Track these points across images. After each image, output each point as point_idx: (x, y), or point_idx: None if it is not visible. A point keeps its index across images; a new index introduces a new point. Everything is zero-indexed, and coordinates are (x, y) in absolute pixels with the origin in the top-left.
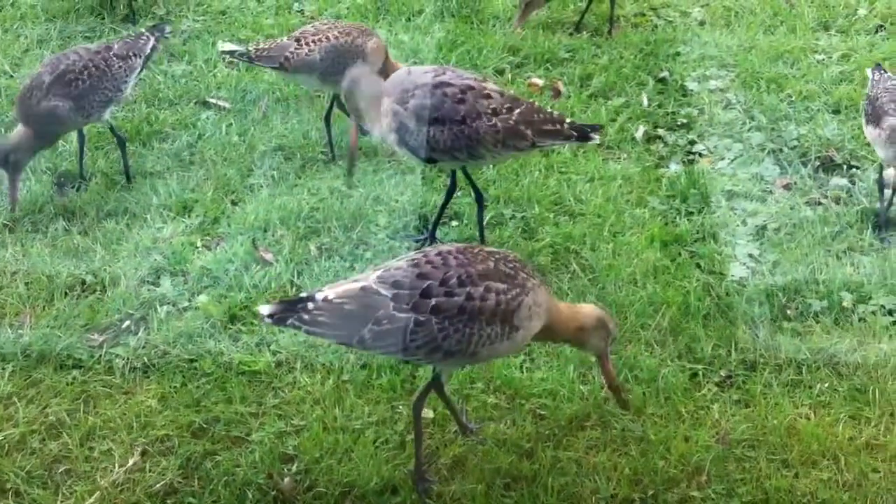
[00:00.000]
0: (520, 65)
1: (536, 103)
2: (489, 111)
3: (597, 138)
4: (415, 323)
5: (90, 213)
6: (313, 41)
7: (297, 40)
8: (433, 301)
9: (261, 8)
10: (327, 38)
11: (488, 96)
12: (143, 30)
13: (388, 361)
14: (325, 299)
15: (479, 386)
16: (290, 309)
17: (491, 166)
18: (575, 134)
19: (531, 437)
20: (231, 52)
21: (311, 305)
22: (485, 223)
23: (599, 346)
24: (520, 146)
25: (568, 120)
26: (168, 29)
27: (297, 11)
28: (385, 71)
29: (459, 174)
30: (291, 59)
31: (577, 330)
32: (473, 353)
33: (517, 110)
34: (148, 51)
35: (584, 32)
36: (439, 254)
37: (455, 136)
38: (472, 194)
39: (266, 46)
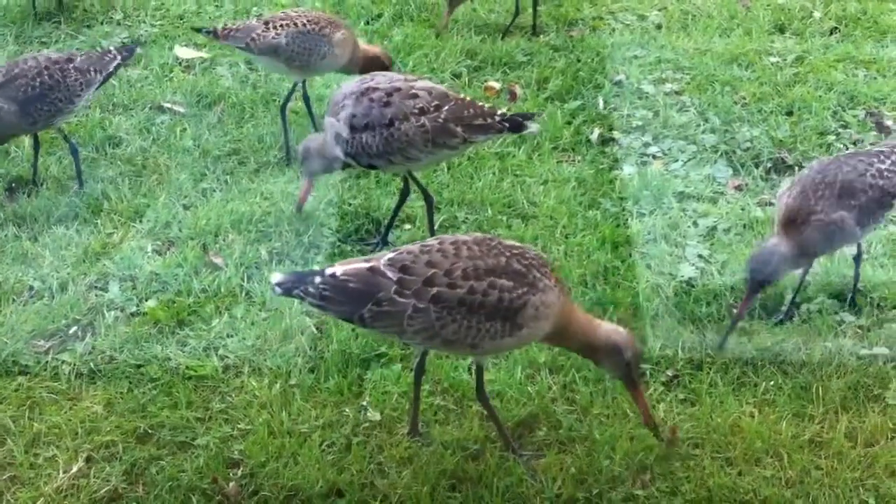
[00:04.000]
0: (477, 68)
1: (468, 98)
2: (416, 111)
3: (532, 127)
4: (413, 309)
5: (40, 218)
6: (281, 25)
7: (266, 23)
8: (434, 290)
9: (218, 12)
10: (295, 24)
11: (415, 96)
12: (111, 47)
13: (336, 365)
14: (332, 275)
15: (426, 388)
16: (299, 280)
17: (445, 169)
18: (507, 125)
19: (478, 439)
20: (199, 30)
21: (318, 279)
22: (437, 226)
23: (614, 371)
24: (451, 143)
25: (500, 111)
26: (138, 50)
27: (256, 16)
28: (357, 62)
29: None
30: (257, 40)
31: (587, 345)
32: (474, 345)
33: (446, 108)
34: (111, 69)
35: (542, 36)
36: (454, 242)
37: (386, 140)
38: (422, 195)
39: (234, 27)
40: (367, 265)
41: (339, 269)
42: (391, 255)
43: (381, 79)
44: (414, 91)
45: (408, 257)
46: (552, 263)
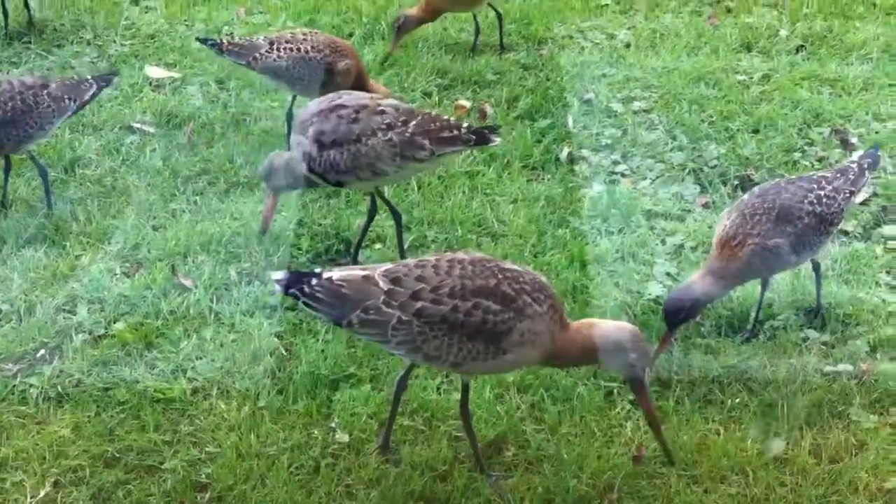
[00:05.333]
0: (448, 87)
1: (435, 112)
2: (384, 126)
3: (497, 140)
4: (398, 320)
5: (9, 240)
6: (285, 48)
7: (271, 43)
8: (419, 304)
9: (189, 32)
10: (299, 49)
11: (382, 112)
12: (89, 76)
13: (304, 386)
14: (328, 279)
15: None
16: (297, 280)
17: (415, 188)
18: (474, 138)
19: (447, 460)
20: (204, 41)
21: (314, 281)
22: (407, 245)
23: (619, 371)
24: (419, 157)
25: (465, 125)
26: (116, 81)
27: (227, 35)
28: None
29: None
30: (259, 59)
31: (586, 355)
32: (455, 363)
33: (413, 122)
34: (86, 98)
35: (512, 54)
36: (451, 260)
37: (354, 157)
38: (391, 214)
39: (239, 42)
40: (363, 273)
41: (336, 273)
42: (389, 266)
43: (348, 97)
44: (381, 108)
45: (402, 270)
46: (550, 289)
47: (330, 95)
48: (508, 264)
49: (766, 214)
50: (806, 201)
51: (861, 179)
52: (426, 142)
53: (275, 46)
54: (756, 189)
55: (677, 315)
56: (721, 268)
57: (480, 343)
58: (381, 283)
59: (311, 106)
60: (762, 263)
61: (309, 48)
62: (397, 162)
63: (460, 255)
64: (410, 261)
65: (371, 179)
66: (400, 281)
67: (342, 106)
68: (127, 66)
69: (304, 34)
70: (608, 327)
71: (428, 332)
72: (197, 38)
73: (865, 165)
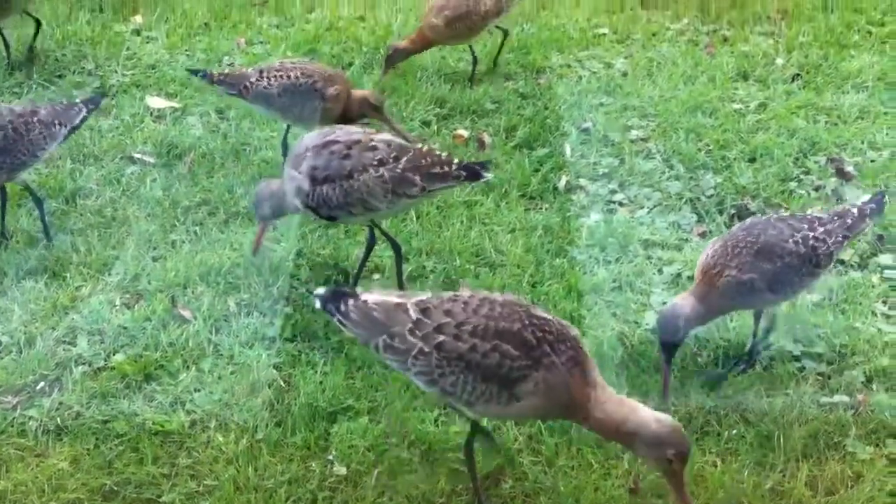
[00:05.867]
0: (446, 116)
1: (426, 148)
2: (375, 162)
3: (488, 175)
4: (419, 351)
5: (9, 272)
6: (274, 76)
7: (261, 72)
8: (441, 338)
9: (190, 62)
10: (288, 76)
11: (374, 148)
12: (77, 99)
13: (303, 418)
14: (364, 301)
15: (393, 441)
16: (335, 297)
17: (414, 218)
18: (464, 174)
19: (444, 493)
20: (195, 72)
21: (350, 301)
22: (405, 275)
23: (653, 465)
24: (411, 193)
25: (456, 161)
26: (102, 102)
27: (228, 65)
28: (350, 114)
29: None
30: (250, 88)
31: (619, 433)
32: (469, 402)
33: (404, 158)
34: (76, 122)
35: (509, 82)
36: (483, 299)
37: (346, 192)
38: (390, 245)
39: (229, 72)
40: (397, 300)
41: (372, 296)
42: (424, 296)
43: (341, 132)
44: (373, 143)
45: (433, 301)
46: (576, 342)
47: (325, 130)
48: (539, 311)
49: (748, 248)
50: (791, 240)
51: (860, 225)
52: (417, 178)
53: (264, 75)
54: (747, 221)
55: (669, 337)
56: (701, 296)
57: (494, 386)
58: (412, 312)
59: (306, 140)
60: (737, 296)
61: (298, 75)
62: (389, 198)
63: (494, 295)
64: (445, 294)
65: (363, 215)
66: (428, 312)
67: (335, 141)
68: (128, 97)
69: (294, 63)
70: (649, 416)
71: (445, 366)
72: (187, 70)
73: (867, 211)
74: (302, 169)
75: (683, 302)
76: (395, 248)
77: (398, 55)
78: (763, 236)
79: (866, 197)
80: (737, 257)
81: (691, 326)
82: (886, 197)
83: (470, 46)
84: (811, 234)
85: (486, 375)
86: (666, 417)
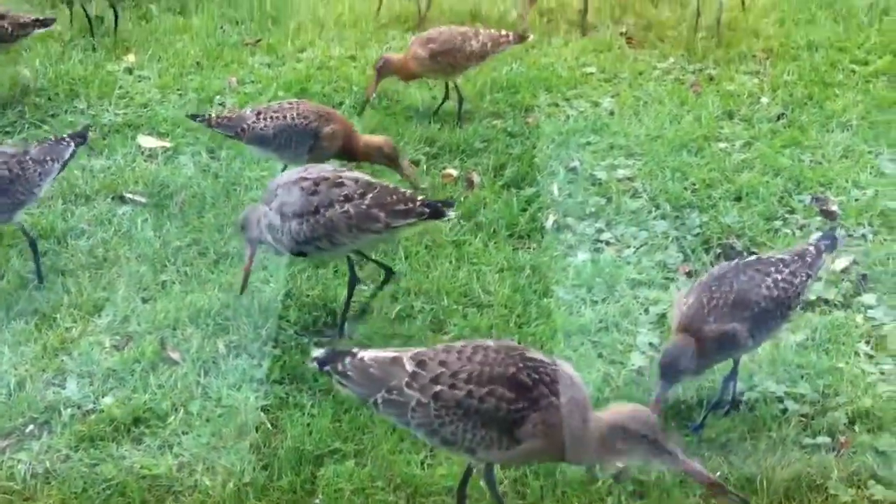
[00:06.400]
0: (436, 155)
1: (393, 185)
2: (342, 198)
3: (451, 214)
4: (417, 402)
5: (0, 314)
6: (271, 117)
7: (258, 114)
8: (438, 388)
9: (182, 101)
10: (284, 117)
11: (341, 184)
12: (64, 135)
13: (289, 462)
14: (360, 358)
15: (379, 484)
16: (333, 357)
17: (403, 257)
18: (428, 211)
19: None
20: (194, 117)
21: (347, 360)
22: (393, 315)
23: (648, 459)
24: (374, 229)
25: (420, 198)
26: (88, 136)
27: (219, 104)
28: (356, 152)
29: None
30: (247, 130)
31: (607, 451)
32: (470, 450)
33: (370, 195)
34: (66, 156)
35: (498, 121)
36: (476, 347)
37: (312, 227)
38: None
39: (227, 115)
40: (393, 355)
41: (368, 353)
42: (420, 349)
43: (313, 170)
44: (341, 180)
45: (428, 353)
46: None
47: (298, 168)
48: (535, 353)
49: (723, 299)
50: (763, 286)
51: (818, 262)
52: (382, 214)
53: (261, 117)
54: (714, 269)
55: (674, 367)
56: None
57: (494, 431)
58: (407, 365)
59: (279, 178)
60: (720, 348)
61: (294, 115)
62: (353, 233)
63: (488, 342)
64: (441, 345)
65: (329, 250)
66: (424, 364)
67: (304, 178)
68: (120, 136)
69: (290, 103)
70: (612, 416)
71: (444, 416)
72: (187, 115)
73: (823, 248)
74: (273, 205)
75: (685, 343)
76: (388, 271)
77: (389, 67)
78: (736, 284)
79: (818, 234)
80: (714, 310)
81: (689, 369)
82: (838, 232)
83: (455, 86)
84: (779, 276)
85: (484, 420)
86: (622, 407)
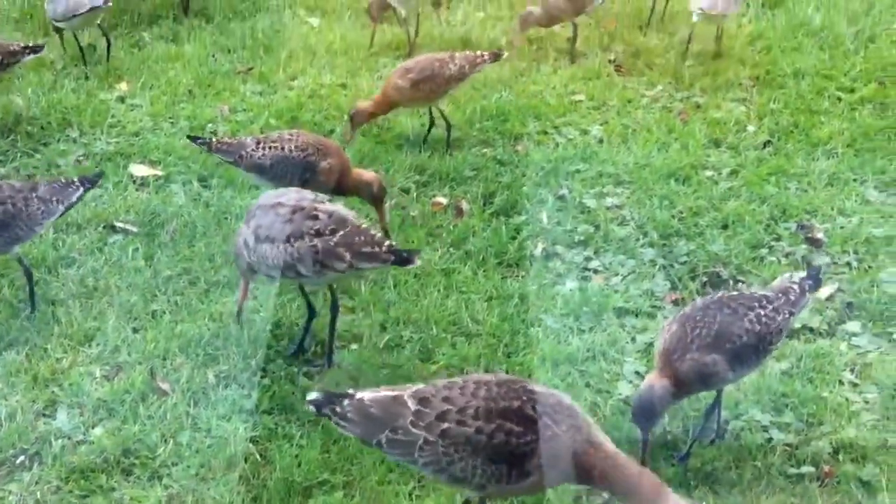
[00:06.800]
0: (425, 183)
1: (365, 226)
2: (312, 231)
3: (416, 262)
4: (424, 441)
5: None
6: (270, 147)
7: (258, 142)
8: (444, 425)
9: (174, 129)
10: (282, 147)
11: (315, 217)
12: (74, 178)
13: (278, 493)
14: (359, 399)
15: None
16: (330, 401)
17: (392, 286)
18: (392, 258)
19: None
20: (195, 139)
21: (346, 402)
22: (382, 345)
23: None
24: (338, 268)
25: (387, 243)
26: (100, 181)
27: (210, 132)
28: (349, 187)
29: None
30: (245, 157)
31: (631, 496)
32: (480, 485)
33: (340, 233)
34: (73, 200)
35: (488, 149)
36: (478, 382)
37: (280, 255)
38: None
39: (228, 141)
40: (393, 394)
41: (367, 394)
42: (419, 386)
43: (292, 195)
44: (316, 212)
45: (430, 390)
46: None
47: (279, 191)
48: (536, 386)
49: (706, 329)
50: (746, 319)
51: (801, 301)
52: (347, 254)
53: (260, 145)
54: (698, 301)
55: (646, 416)
56: (665, 381)
57: (504, 465)
58: (410, 404)
59: (261, 198)
60: (700, 379)
61: (292, 147)
62: (316, 268)
63: (488, 376)
64: (440, 381)
65: (293, 279)
66: (427, 402)
67: (282, 204)
68: (112, 164)
69: (291, 134)
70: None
71: (453, 453)
72: (188, 137)
73: (807, 287)
74: (250, 225)
75: (651, 384)
76: (310, 312)
77: (361, 116)
78: (719, 316)
79: (803, 273)
80: (696, 339)
81: (667, 406)
82: (821, 272)
83: (441, 113)
84: (762, 312)
85: (494, 456)
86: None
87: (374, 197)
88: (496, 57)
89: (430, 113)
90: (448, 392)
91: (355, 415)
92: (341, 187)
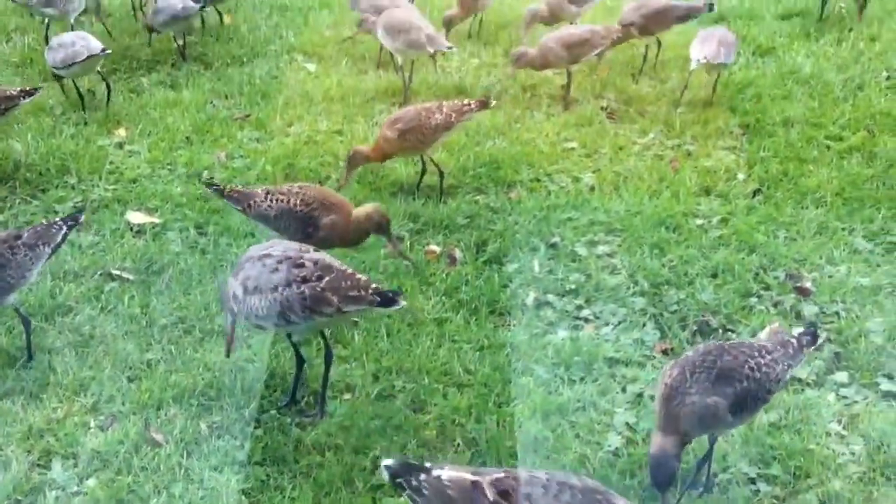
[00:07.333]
0: (419, 231)
1: (350, 270)
2: (299, 279)
3: (402, 303)
4: None
5: None
6: (276, 199)
7: (267, 193)
8: None
9: (171, 177)
10: (287, 201)
11: (301, 265)
12: (58, 219)
13: None
14: (437, 477)
15: None
16: (407, 471)
17: (385, 335)
18: (378, 299)
19: None
20: (209, 185)
21: (423, 476)
22: (374, 395)
23: None
24: (327, 312)
25: (373, 286)
26: (81, 219)
27: (209, 178)
28: (354, 238)
29: (351, 335)
30: (253, 206)
31: None
32: None
33: (327, 278)
34: (59, 240)
35: (481, 196)
36: (561, 483)
37: (269, 304)
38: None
39: (239, 189)
40: (472, 478)
41: (445, 472)
42: (500, 475)
43: (279, 247)
44: (302, 261)
45: (511, 483)
46: None
47: (268, 243)
48: (616, 497)
49: (706, 373)
50: (746, 366)
51: (799, 356)
52: (335, 298)
53: (269, 196)
54: (700, 347)
55: (665, 480)
56: (673, 439)
57: None
58: (489, 493)
59: (250, 251)
60: (700, 422)
61: (297, 201)
62: (305, 314)
63: (574, 479)
64: (523, 472)
65: (284, 327)
66: (507, 495)
67: (269, 256)
68: (109, 212)
69: (300, 188)
70: None
71: None
72: (204, 182)
73: (804, 343)
74: (238, 277)
75: (660, 444)
76: (299, 361)
77: (357, 158)
78: (720, 362)
79: (800, 329)
80: (697, 383)
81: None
82: (819, 330)
83: (432, 160)
84: (762, 360)
85: None
86: None
87: (378, 226)
88: (483, 105)
89: (423, 161)
90: (530, 489)
91: (430, 492)
92: (346, 241)
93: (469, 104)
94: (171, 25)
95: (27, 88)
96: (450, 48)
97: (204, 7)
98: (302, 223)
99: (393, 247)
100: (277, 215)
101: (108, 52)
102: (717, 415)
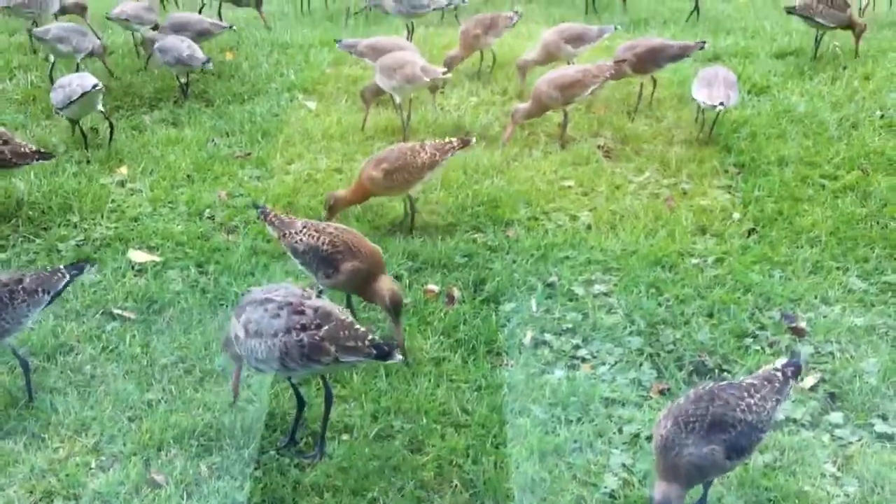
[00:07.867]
0: (418, 270)
1: (350, 320)
2: (299, 326)
3: (398, 357)
4: None
5: None
6: (307, 235)
7: (304, 227)
8: None
9: (172, 215)
10: (318, 238)
11: (301, 312)
12: (61, 266)
13: None
14: None
15: None
16: None
17: (383, 376)
18: (374, 352)
19: None
20: (256, 206)
21: None
22: (372, 435)
23: None
24: (323, 361)
25: (370, 338)
26: (87, 268)
27: (208, 218)
28: (371, 294)
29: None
30: (287, 236)
31: None
32: None
33: (325, 327)
34: (59, 287)
35: (479, 234)
36: None
37: (269, 349)
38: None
39: (281, 217)
40: None
41: None
42: None
43: (281, 292)
44: (302, 308)
45: None
46: None
47: (271, 286)
48: None
49: (700, 422)
50: (738, 409)
51: (785, 388)
52: (332, 348)
53: (304, 229)
54: (691, 393)
55: None
56: (675, 486)
57: None
58: None
59: (253, 293)
60: (698, 471)
61: (326, 241)
62: (303, 362)
63: None
64: None
65: (282, 372)
66: None
67: (270, 300)
68: (111, 250)
69: (336, 228)
70: None
71: None
72: (254, 204)
73: (789, 374)
74: (241, 319)
75: (671, 493)
76: (300, 403)
77: (338, 204)
78: (711, 408)
79: (783, 360)
80: (692, 434)
81: None
82: (802, 359)
83: (409, 199)
84: (751, 401)
85: None
86: None
87: (392, 306)
88: (465, 144)
89: (407, 202)
90: None
91: None
92: (362, 293)
93: (451, 142)
94: (174, 67)
95: (43, 151)
96: (445, 73)
97: (208, 63)
98: (324, 263)
99: (395, 330)
100: (304, 250)
101: (100, 86)
102: (715, 462)
